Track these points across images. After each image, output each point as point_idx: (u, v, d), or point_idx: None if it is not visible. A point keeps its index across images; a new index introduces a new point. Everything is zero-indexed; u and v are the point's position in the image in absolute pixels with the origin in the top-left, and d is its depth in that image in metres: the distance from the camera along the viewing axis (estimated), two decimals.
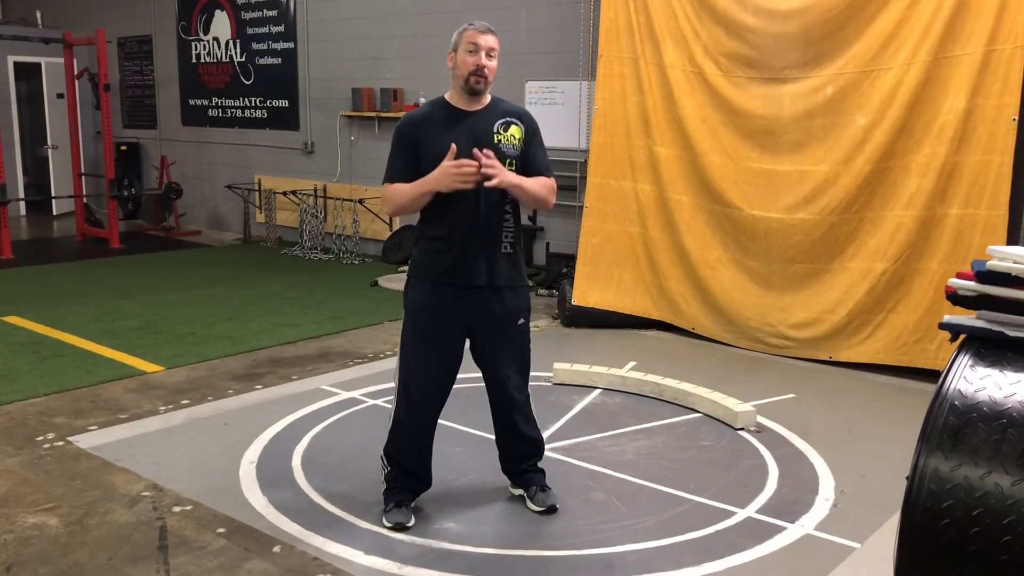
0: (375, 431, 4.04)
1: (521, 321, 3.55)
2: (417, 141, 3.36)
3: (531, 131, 3.47)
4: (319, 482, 3.86)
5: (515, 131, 3.42)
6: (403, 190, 3.35)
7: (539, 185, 3.41)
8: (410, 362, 3.46)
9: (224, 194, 11.30)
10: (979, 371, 2.07)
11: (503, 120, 3.41)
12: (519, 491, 3.75)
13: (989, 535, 1.89)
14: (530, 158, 3.45)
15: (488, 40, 3.34)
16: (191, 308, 7.12)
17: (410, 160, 3.36)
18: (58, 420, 4.59)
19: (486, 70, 3.33)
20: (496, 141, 3.36)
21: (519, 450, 3.71)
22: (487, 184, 3.23)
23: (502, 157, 3.35)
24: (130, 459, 4.08)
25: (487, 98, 3.44)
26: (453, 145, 3.24)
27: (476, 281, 3.37)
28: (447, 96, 3.45)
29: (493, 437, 4.40)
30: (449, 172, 3.22)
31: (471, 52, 3.32)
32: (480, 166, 3.22)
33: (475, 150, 3.25)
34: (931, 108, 5.40)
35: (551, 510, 3.63)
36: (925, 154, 5.43)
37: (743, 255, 6.09)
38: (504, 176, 3.27)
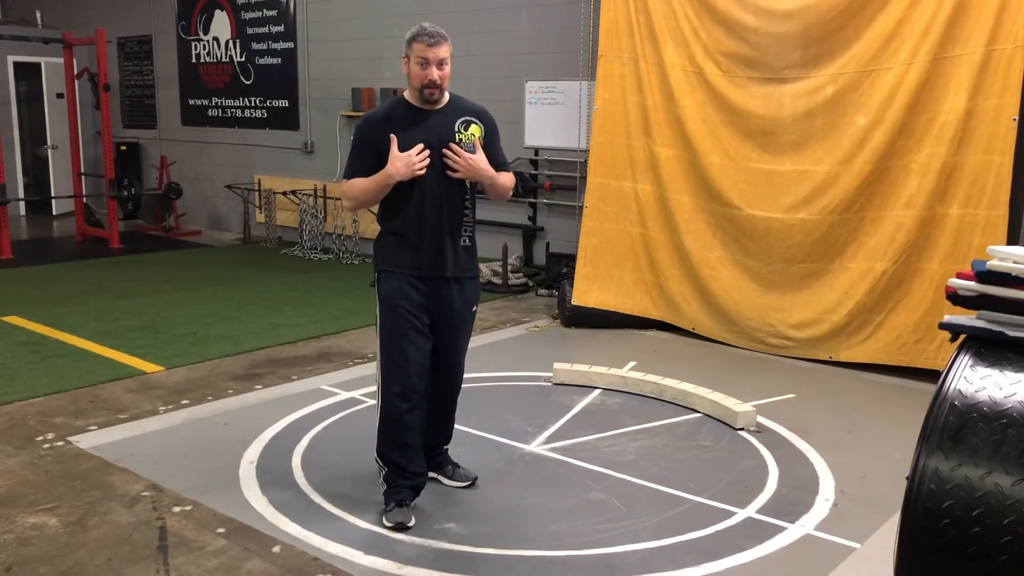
0: (375, 431, 4.04)
1: (475, 308, 3.68)
2: (380, 142, 3.42)
3: (490, 129, 3.59)
4: (319, 482, 3.86)
5: (475, 130, 3.52)
6: (364, 183, 3.47)
7: (507, 179, 3.60)
8: (392, 354, 3.47)
9: (224, 194, 11.30)
10: (979, 371, 2.06)
11: (463, 119, 3.51)
12: (433, 474, 3.82)
13: (989, 535, 1.89)
14: (490, 156, 3.54)
15: (438, 52, 3.37)
16: (191, 308, 7.12)
17: (371, 160, 3.44)
18: (58, 420, 4.59)
19: (438, 81, 3.40)
20: (458, 140, 3.46)
21: (443, 434, 3.87)
22: (452, 175, 3.42)
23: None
24: (130, 459, 4.08)
25: (446, 96, 3.52)
26: (420, 144, 3.38)
27: (443, 273, 3.49)
28: (407, 95, 3.52)
29: (492, 437, 4.42)
30: (411, 162, 3.34)
31: (421, 66, 3.37)
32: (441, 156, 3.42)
33: (452, 144, 3.41)
34: (931, 108, 5.40)
35: (475, 481, 3.83)
36: (925, 154, 5.43)
37: (743, 255, 6.09)
38: (474, 161, 3.42)
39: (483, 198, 3.63)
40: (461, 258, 3.54)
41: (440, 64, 3.37)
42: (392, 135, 3.38)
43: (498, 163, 3.58)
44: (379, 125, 3.47)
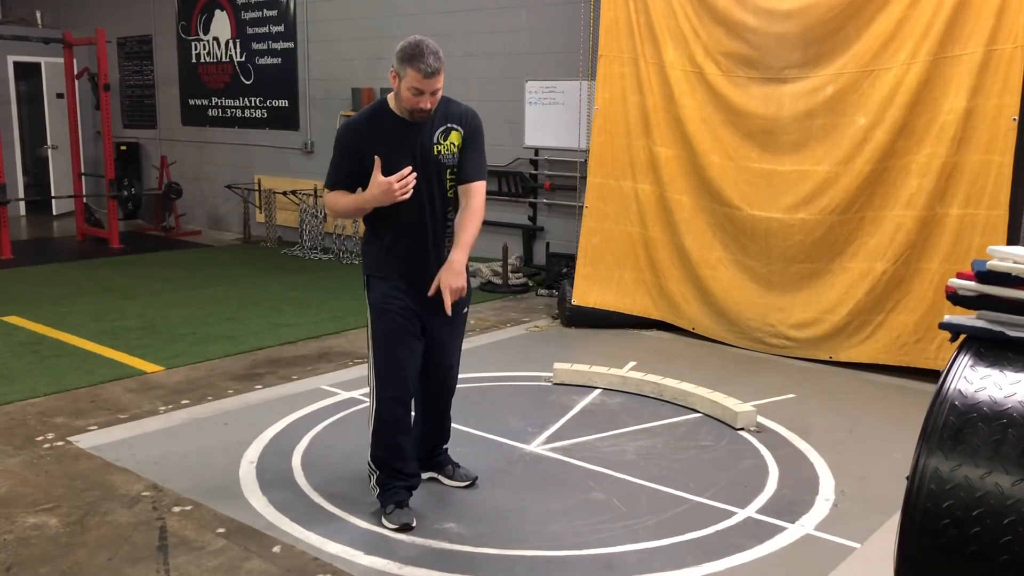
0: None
1: (465, 310, 3.65)
2: (361, 151, 3.36)
3: (470, 134, 3.44)
4: (319, 482, 3.86)
5: (454, 137, 3.41)
6: (345, 202, 3.43)
7: (472, 222, 3.38)
8: (385, 358, 3.46)
9: (224, 194, 11.30)
10: (979, 371, 2.06)
11: (443, 128, 3.39)
12: (431, 474, 3.84)
13: (989, 535, 1.89)
14: (461, 163, 3.43)
15: (434, 84, 3.23)
16: (191, 308, 7.12)
17: (354, 170, 3.39)
18: (58, 420, 4.59)
19: (429, 108, 3.31)
20: (436, 153, 3.38)
21: (441, 435, 3.86)
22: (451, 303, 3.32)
23: (442, 168, 3.40)
24: (130, 459, 4.08)
25: None
26: (407, 169, 3.27)
27: (430, 284, 3.43)
28: (391, 103, 3.39)
29: (492, 437, 4.42)
30: (392, 190, 3.24)
31: (413, 93, 3.24)
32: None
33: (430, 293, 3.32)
34: (931, 108, 5.40)
35: (475, 481, 3.83)
36: (925, 154, 5.43)
37: (743, 255, 6.09)
38: (458, 283, 3.30)
39: None
40: None
41: (433, 93, 3.26)
42: (376, 157, 3.28)
43: (466, 173, 3.42)
44: (360, 133, 3.40)
